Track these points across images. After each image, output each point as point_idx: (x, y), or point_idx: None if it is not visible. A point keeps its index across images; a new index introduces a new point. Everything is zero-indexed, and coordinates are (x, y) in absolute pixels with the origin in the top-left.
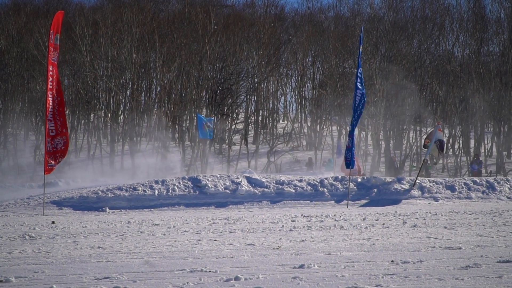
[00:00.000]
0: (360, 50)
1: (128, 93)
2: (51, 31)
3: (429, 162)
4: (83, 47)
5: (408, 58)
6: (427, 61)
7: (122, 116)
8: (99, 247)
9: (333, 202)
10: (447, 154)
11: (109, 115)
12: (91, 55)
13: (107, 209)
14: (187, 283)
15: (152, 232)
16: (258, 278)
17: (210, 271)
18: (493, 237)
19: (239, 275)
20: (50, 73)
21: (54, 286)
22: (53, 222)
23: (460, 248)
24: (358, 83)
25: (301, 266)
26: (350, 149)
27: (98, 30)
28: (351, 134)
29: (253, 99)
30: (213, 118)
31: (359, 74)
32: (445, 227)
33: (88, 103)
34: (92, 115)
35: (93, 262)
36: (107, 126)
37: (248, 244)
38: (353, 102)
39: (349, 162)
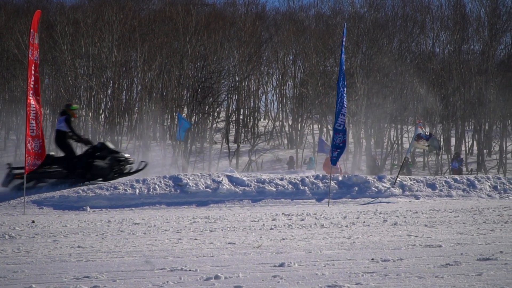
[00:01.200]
0: (343, 50)
1: (109, 92)
2: (31, 31)
3: (409, 160)
4: (64, 45)
5: (389, 56)
6: (408, 59)
7: (103, 115)
8: (79, 247)
9: (314, 200)
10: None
11: (90, 114)
12: (72, 54)
13: (88, 208)
14: (167, 282)
15: (133, 231)
16: (238, 276)
17: (190, 270)
18: (473, 235)
19: (219, 274)
20: (32, 72)
21: (34, 285)
22: (33, 222)
23: (440, 246)
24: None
25: (281, 265)
26: (343, 146)
27: (79, 29)
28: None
29: (234, 98)
30: (188, 121)
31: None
32: (426, 225)
33: (68, 102)
34: None
35: (73, 262)
36: (88, 125)
37: (229, 243)
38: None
39: (335, 159)
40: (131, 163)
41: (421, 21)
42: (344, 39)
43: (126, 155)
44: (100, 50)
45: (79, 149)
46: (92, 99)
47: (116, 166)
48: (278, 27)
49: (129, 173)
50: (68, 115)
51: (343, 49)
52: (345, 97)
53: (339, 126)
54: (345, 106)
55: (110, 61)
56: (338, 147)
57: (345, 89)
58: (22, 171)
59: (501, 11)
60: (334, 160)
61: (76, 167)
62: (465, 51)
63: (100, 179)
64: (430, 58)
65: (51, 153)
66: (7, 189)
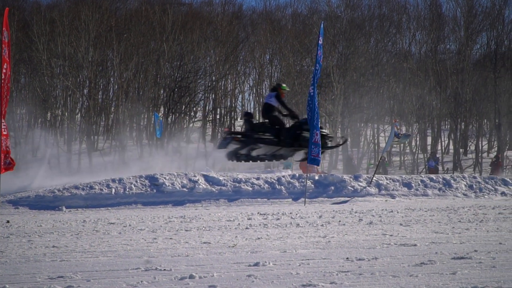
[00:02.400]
0: (321, 52)
1: (85, 91)
2: (3, 29)
3: (386, 159)
4: (40, 45)
5: (366, 56)
6: (384, 59)
7: (79, 114)
8: (53, 246)
9: (290, 200)
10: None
11: (66, 113)
12: (48, 53)
13: (64, 208)
14: (141, 282)
15: (108, 231)
16: (213, 276)
17: (164, 270)
18: (448, 234)
19: (194, 274)
20: (4, 70)
21: (7, 286)
22: (8, 222)
23: (415, 245)
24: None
25: (256, 264)
26: (318, 145)
27: (55, 28)
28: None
29: (211, 97)
30: (161, 119)
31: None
32: (401, 224)
33: (45, 102)
34: (49, 114)
35: (47, 262)
36: (64, 125)
37: (204, 243)
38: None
39: (315, 158)
40: (331, 139)
41: (398, 20)
42: (321, 38)
43: (327, 131)
44: (77, 49)
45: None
46: (68, 98)
47: (321, 140)
48: (255, 26)
49: (330, 147)
50: (278, 92)
51: (321, 48)
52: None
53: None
54: (317, 106)
55: (87, 60)
56: (317, 146)
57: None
58: (240, 135)
59: (477, 11)
60: (317, 160)
61: (286, 137)
62: (441, 51)
63: (304, 149)
64: (406, 57)
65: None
66: (222, 151)
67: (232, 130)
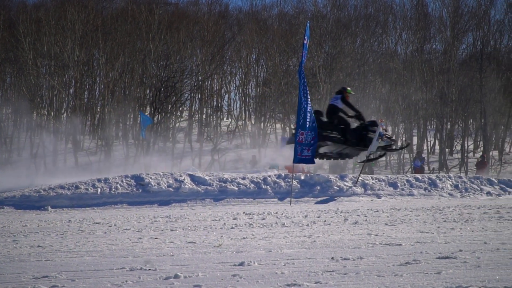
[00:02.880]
0: (306, 52)
1: (71, 91)
2: None
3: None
4: (26, 44)
5: (352, 56)
6: (370, 59)
7: (65, 114)
8: (38, 246)
9: (276, 199)
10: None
11: (52, 113)
12: (34, 52)
13: (49, 208)
14: (126, 281)
15: (93, 230)
16: (198, 276)
17: (149, 269)
18: (433, 233)
19: (179, 273)
20: None
21: None
22: None
23: (400, 244)
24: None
25: (241, 264)
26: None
27: (41, 27)
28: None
29: (197, 97)
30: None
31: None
32: (386, 224)
33: (30, 101)
34: (34, 114)
35: (32, 261)
36: (50, 125)
37: (189, 242)
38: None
39: (304, 158)
40: (394, 142)
41: (384, 20)
42: (306, 38)
43: (390, 134)
44: (63, 49)
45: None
46: (54, 98)
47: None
48: (241, 26)
49: (393, 150)
50: (343, 95)
51: (306, 48)
52: (308, 95)
53: (313, 123)
54: (310, 103)
55: (73, 60)
56: (310, 145)
57: (304, 87)
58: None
59: (463, 11)
60: (309, 159)
61: (352, 136)
62: (427, 51)
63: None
64: (392, 57)
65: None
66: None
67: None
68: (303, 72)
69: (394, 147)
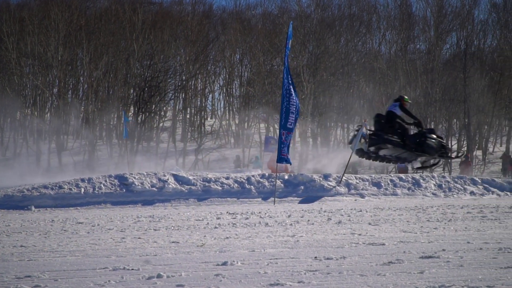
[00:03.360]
0: (288, 48)
1: (54, 90)
2: None
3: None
4: (10, 44)
5: (336, 55)
6: (354, 58)
7: (48, 114)
8: (21, 246)
9: (260, 199)
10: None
11: (36, 113)
12: (18, 52)
13: (33, 208)
14: (109, 281)
15: (76, 230)
16: (181, 275)
17: (132, 269)
18: (416, 233)
19: (162, 273)
20: None
21: None
22: None
23: (384, 244)
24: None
25: (224, 263)
26: (287, 144)
27: (25, 27)
28: (291, 131)
29: (181, 97)
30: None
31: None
32: (370, 224)
33: (14, 101)
34: (18, 113)
35: (15, 261)
36: (33, 124)
37: (172, 242)
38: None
39: (285, 158)
40: (449, 150)
41: (368, 20)
42: (289, 39)
43: (445, 142)
44: (46, 48)
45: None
46: (38, 98)
47: (441, 149)
48: (225, 26)
49: (449, 157)
50: (401, 103)
51: (288, 48)
52: (294, 95)
53: (290, 125)
54: (295, 104)
55: (56, 59)
56: (286, 145)
57: (292, 86)
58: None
59: (446, 11)
60: (286, 159)
61: (411, 141)
62: (411, 51)
63: (426, 155)
64: (376, 57)
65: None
66: (352, 146)
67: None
68: (286, 72)
69: (449, 155)
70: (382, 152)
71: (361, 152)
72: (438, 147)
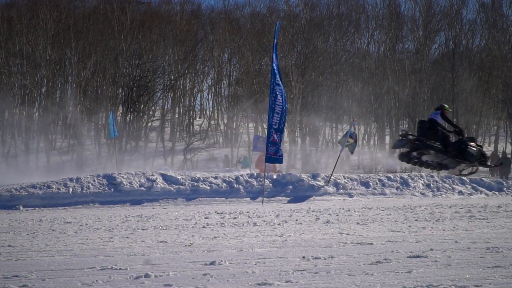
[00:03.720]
0: (276, 48)
1: (43, 90)
2: None
3: (345, 158)
4: None
5: (324, 55)
6: (342, 58)
7: (37, 113)
8: (9, 246)
9: (248, 199)
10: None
11: (24, 112)
12: (6, 51)
13: (21, 207)
14: (97, 281)
15: (64, 230)
16: (169, 275)
17: (120, 269)
18: (404, 232)
19: (149, 273)
20: None
21: None
22: None
23: (372, 243)
24: (277, 81)
25: (212, 263)
26: (275, 144)
27: (13, 26)
28: (278, 131)
29: (169, 96)
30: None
31: (275, 70)
32: (358, 223)
33: (2, 100)
34: (6, 113)
35: (3, 261)
36: (22, 124)
37: (160, 242)
38: (271, 100)
39: (277, 158)
40: (488, 158)
41: (356, 20)
42: (275, 38)
43: (485, 150)
44: (34, 48)
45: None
46: (26, 97)
47: (481, 157)
48: (214, 25)
49: (487, 166)
50: (442, 111)
51: (275, 48)
52: (279, 96)
53: (275, 124)
54: (280, 104)
55: (44, 59)
56: (274, 145)
57: (278, 87)
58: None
59: (435, 10)
60: (278, 159)
61: (452, 149)
62: (399, 50)
63: (466, 162)
64: (364, 57)
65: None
66: (395, 151)
67: (408, 133)
68: (274, 72)
69: (488, 163)
70: (424, 158)
71: (405, 157)
72: (478, 155)
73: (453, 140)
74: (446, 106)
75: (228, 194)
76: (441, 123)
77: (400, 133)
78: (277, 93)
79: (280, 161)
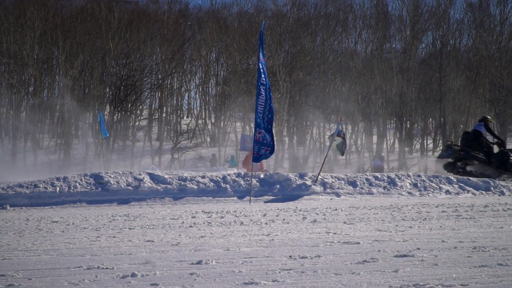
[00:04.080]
0: (262, 44)
1: (30, 89)
2: None
3: (332, 158)
4: None
5: (312, 54)
6: (330, 57)
7: (24, 112)
8: None
9: (235, 198)
10: (349, 150)
11: (11, 111)
12: None
13: (8, 207)
14: (83, 280)
15: (51, 229)
16: (155, 274)
17: (107, 268)
18: (391, 232)
19: (136, 272)
20: None
21: None
22: None
23: (358, 243)
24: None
25: (199, 262)
26: (259, 143)
27: (0, 25)
28: (263, 129)
29: (157, 96)
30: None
31: (261, 69)
32: (345, 222)
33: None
34: None
35: None
36: (9, 123)
37: (147, 241)
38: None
39: (259, 156)
40: None
41: (344, 19)
42: (260, 37)
43: None
44: (22, 47)
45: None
46: (13, 96)
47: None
48: (201, 25)
49: None
50: (485, 122)
51: (262, 46)
52: (263, 95)
53: (266, 124)
54: (262, 104)
55: (32, 58)
56: (268, 145)
57: (263, 86)
58: (460, 150)
59: (422, 10)
60: (257, 158)
61: (495, 160)
62: (387, 50)
63: (509, 173)
64: (352, 56)
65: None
66: (440, 161)
67: (454, 143)
68: (258, 71)
69: None
70: (469, 168)
71: (450, 167)
72: None
73: (496, 152)
74: (489, 117)
75: (215, 194)
76: (485, 134)
77: (446, 144)
78: (262, 92)
79: (266, 157)
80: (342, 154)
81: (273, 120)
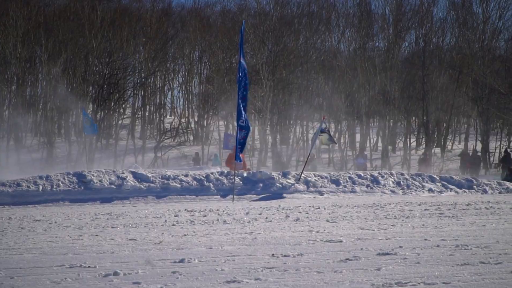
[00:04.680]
0: (242, 44)
1: (13, 88)
2: None
3: (315, 156)
4: None
5: (295, 53)
6: (313, 56)
7: (7, 111)
8: None
9: (218, 197)
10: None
11: None
12: None
13: None
14: (65, 278)
15: (33, 228)
16: (138, 273)
17: (89, 267)
18: (374, 230)
19: (118, 270)
20: None
21: None
22: None
23: (341, 241)
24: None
25: (181, 261)
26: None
27: None
28: (242, 128)
29: (140, 94)
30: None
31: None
32: (327, 221)
33: None
34: None
35: None
36: None
37: (130, 239)
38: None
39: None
40: None
41: (327, 18)
42: (242, 37)
43: None
44: (4, 45)
45: None
46: None
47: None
48: (184, 23)
49: None
50: None
51: (242, 46)
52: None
53: (242, 122)
54: (240, 103)
55: (14, 57)
56: (240, 144)
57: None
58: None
59: (405, 8)
60: (237, 156)
61: None
62: (370, 48)
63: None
64: (335, 55)
65: None
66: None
67: None
68: (241, 69)
69: None
70: None
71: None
72: None
73: None
74: None
75: (198, 192)
76: None
77: (509, 168)
78: (242, 90)
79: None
80: (336, 143)
81: (247, 98)
